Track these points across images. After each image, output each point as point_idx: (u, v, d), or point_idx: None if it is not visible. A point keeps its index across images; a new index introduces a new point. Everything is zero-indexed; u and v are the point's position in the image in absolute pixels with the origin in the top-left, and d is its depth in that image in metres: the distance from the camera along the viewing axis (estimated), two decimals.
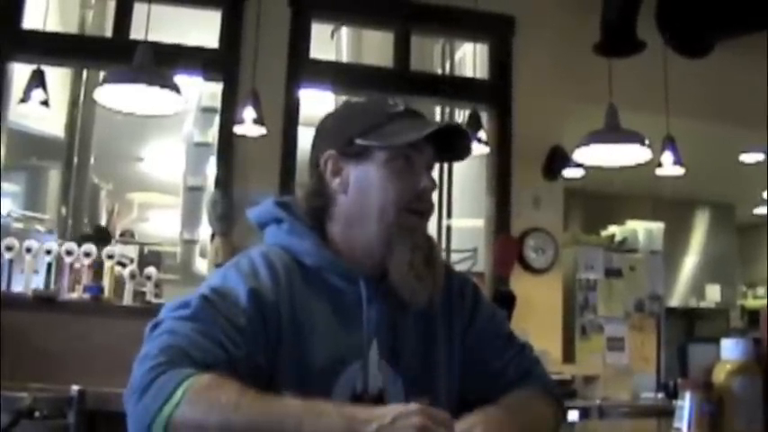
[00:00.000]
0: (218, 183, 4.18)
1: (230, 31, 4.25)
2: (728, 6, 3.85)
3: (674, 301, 7.68)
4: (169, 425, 1.02)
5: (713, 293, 7.91)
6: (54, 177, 5.50)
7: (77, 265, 3.83)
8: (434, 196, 1.34)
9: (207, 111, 5.80)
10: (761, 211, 8.23)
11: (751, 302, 8.47)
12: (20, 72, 4.20)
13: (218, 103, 4.43)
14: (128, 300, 3.80)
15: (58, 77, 4.97)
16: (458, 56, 5.25)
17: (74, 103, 5.43)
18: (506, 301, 4.16)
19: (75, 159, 5.48)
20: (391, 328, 1.29)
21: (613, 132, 3.76)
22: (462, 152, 1.37)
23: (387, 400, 1.24)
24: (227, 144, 4.16)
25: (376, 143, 1.28)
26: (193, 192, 6.06)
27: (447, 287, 1.37)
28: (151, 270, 3.93)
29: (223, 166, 4.18)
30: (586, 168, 4.81)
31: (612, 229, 5.91)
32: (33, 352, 3.47)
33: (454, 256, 4.93)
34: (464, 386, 1.36)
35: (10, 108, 4.16)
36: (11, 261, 3.74)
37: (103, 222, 5.97)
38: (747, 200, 8.01)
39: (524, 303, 4.24)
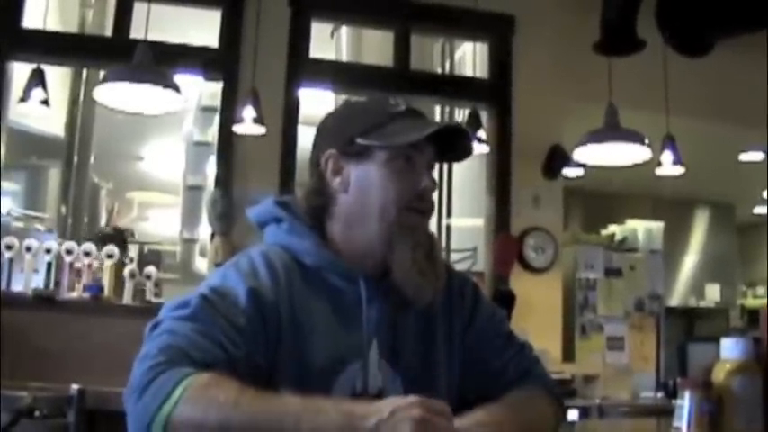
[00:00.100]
0: (217, 182, 4.18)
1: (230, 31, 4.25)
2: (729, 5, 3.84)
3: (674, 300, 7.68)
4: (168, 424, 1.02)
5: (713, 293, 7.91)
6: (54, 176, 5.50)
7: (78, 265, 3.83)
8: (434, 196, 1.34)
9: (207, 110, 5.80)
10: (761, 210, 8.24)
11: (751, 302, 8.47)
12: (20, 71, 4.20)
13: (217, 103, 4.43)
14: (127, 299, 3.80)
15: (57, 77, 4.97)
16: (458, 55, 5.25)
17: (74, 102, 5.43)
18: (506, 300, 4.17)
19: (75, 158, 5.48)
20: (391, 328, 1.29)
21: (613, 131, 3.76)
22: (463, 152, 1.37)
23: None
24: (227, 143, 4.16)
25: (377, 143, 1.28)
26: (193, 191, 6.07)
27: (447, 286, 1.37)
28: (151, 269, 3.93)
29: (223, 166, 4.19)
30: (586, 168, 4.81)
31: (612, 229, 5.92)
32: (33, 351, 3.47)
33: (454, 256, 4.93)
34: (464, 385, 1.35)
35: (10, 107, 4.17)
36: (11, 260, 3.74)
37: (103, 222, 5.96)
38: (747, 199, 8.01)
39: (524, 303, 4.24)
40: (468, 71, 5.00)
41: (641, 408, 4.44)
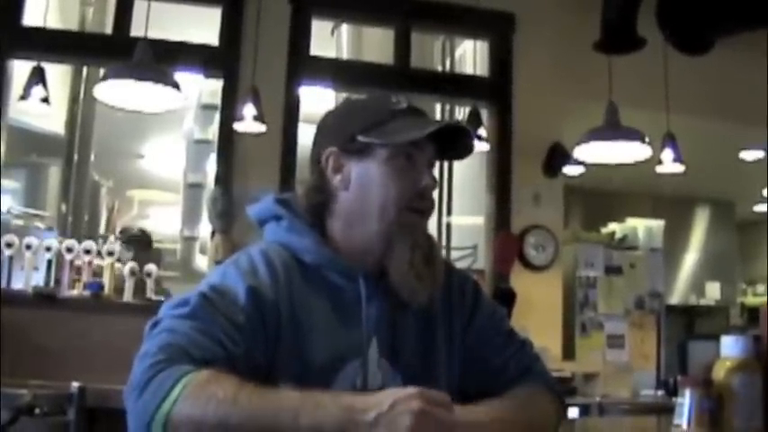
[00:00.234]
0: (218, 180, 4.18)
1: (230, 28, 4.25)
2: (729, 3, 3.84)
3: (674, 298, 7.68)
4: (168, 421, 1.02)
5: (713, 291, 7.91)
6: (54, 174, 5.51)
7: (78, 262, 3.83)
8: (435, 194, 1.34)
9: (207, 108, 5.81)
10: (761, 208, 8.23)
11: (751, 300, 8.47)
12: (20, 69, 4.20)
13: (218, 100, 4.43)
14: (128, 297, 3.80)
15: (58, 74, 4.97)
16: (458, 53, 5.24)
17: (74, 100, 5.43)
18: (506, 298, 4.17)
19: (76, 156, 5.49)
20: (391, 326, 1.29)
21: (613, 130, 3.76)
22: (464, 151, 1.37)
23: None
24: (228, 141, 4.16)
25: (378, 140, 1.28)
26: (193, 189, 6.07)
27: (447, 284, 1.36)
28: (151, 267, 3.93)
29: (223, 163, 4.19)
30: (586, 166, 4.81)
31: (612, 227, 5.92)
32: (33, 349, 3.47)
33: (454, 254, 4.93)
34: (464, 383, 1.35)
35: (10, 105, 4.17)
36: (11, 258, 3.75)
37: (103, 220, 5.97)
38: (747, 197, 8.01)
39: (524, 300, 4.24)
40: (468, 69, 5.00)
41: (641, 406, 4.45)
